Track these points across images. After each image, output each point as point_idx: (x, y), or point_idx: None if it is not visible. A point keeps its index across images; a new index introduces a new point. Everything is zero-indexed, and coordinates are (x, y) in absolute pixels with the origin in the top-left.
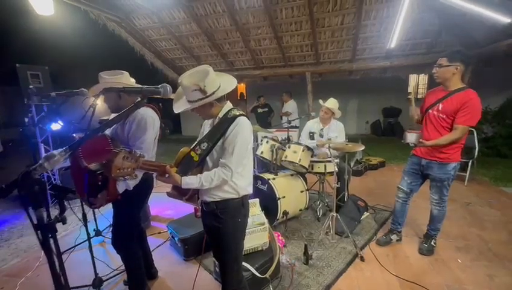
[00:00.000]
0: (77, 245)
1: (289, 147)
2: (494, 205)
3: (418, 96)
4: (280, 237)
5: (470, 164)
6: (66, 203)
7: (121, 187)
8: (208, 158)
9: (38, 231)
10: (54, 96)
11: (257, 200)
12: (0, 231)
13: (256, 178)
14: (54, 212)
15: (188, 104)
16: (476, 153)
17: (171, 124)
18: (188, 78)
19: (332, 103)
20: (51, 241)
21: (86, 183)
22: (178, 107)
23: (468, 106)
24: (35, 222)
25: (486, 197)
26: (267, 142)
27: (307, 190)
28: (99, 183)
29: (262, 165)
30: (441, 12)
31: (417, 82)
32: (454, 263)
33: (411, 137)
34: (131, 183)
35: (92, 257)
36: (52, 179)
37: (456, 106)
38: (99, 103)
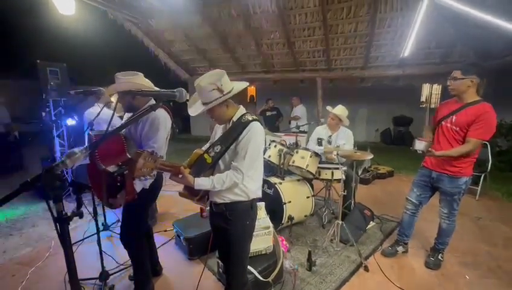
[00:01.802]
0: (85, 238)
1: (297, 152)
2: (505, 221)
3: (431, 106)
4: (284, 242)
5: (482, 177)
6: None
7: (138, 187)
8: (220, 161)
9: (57, 224)
10: (72, 94)
11: (263, 203)
12: (14, 220)
13: (263, 181)
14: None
15: (204, 106)
16: (489, 167)
17: (181, 123)
18: (205, 80)
19: (340, 110)
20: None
21: (105, 185)
22: (195, 110)
23: (483, 120)
24: (55, 215)
25: (497, 213)
26: (275, 146)
27: (313, 196)
28: (118, 184)
29: (269, 168)
30: (457, 23)
31: (430, 92)
32: (462, 279)
33: (420, 144)
34: (147, 183)
35: (100, 251)
36: (65, 172)
37: (470, 119)
38: (114, 101)
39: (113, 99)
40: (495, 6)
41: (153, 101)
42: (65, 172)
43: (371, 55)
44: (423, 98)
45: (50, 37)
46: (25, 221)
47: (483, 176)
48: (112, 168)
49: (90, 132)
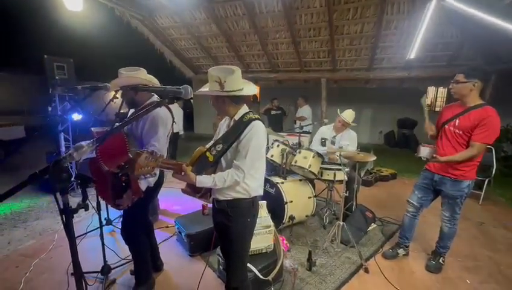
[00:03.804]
0: (88, 232)
1: (299, 152)
2: (509, 227)
3: (436, 110)
4: (285, 241)
5: (486, 182)
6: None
7: (143, 185)
8: (222, 159)
9: (63, 215)
10: (79, 89)
11: (265, 202)
12: (18, 213)
13: (264, 181)
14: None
15: (206, 90)
16: (494, 172)
17: (184, 121)
18: (215, 70)
19: (349, 116)
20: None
21: (111, 186)
22: (199, 92)
23: (486, 123)
24: (61, 206)
25: (501, 219)
26: (277, 145)
27: (315, 196)
28: (123, 184)
29: (271, 168)
30: (464, 26)
31: (435, 95)
32: (462, 284)
33: (424, 151)
34: (152, 181)
35: (103, 245)
36: (69, 166)
37: (474, 123)
38: (119, 97)
39: (119, 95)
40: (503, 9)
41: (155, 97)
42: (69, 166)
43: (377, 56)
44: (428, 101)
45: (57, 32)
46: (29, 213)
47: (487, 180)
48: (115, 169)
49: (92, 129)
